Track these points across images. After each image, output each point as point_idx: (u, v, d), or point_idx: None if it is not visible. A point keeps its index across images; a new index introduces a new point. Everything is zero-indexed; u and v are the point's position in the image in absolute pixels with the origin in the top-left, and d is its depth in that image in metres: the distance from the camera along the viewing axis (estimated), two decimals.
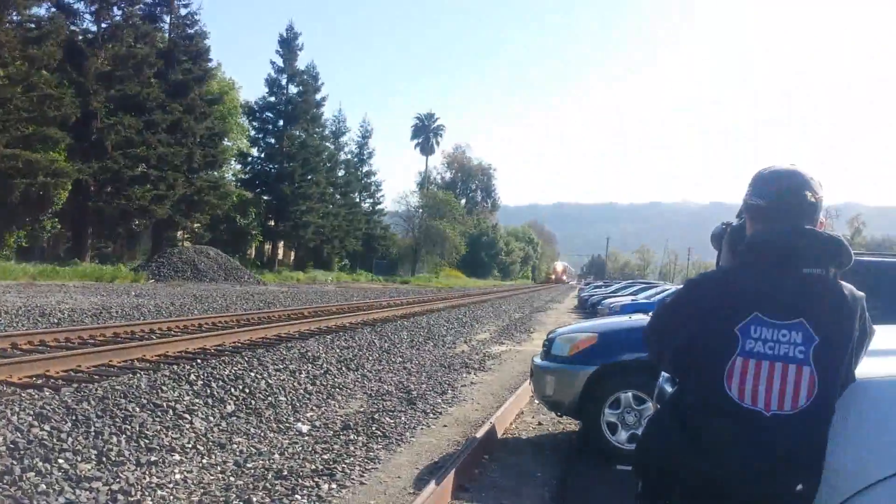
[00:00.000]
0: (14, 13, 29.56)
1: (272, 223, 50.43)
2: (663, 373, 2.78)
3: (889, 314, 5.10)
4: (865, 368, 1.95)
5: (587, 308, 27.73)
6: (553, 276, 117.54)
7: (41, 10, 32.64)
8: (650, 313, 7.43)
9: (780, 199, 1.93)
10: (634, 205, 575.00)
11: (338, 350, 10.56)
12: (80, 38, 34.71)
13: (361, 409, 7.05)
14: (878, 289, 5.54)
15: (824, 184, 1.99)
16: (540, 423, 7.15)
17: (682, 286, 2.11)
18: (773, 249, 1.89)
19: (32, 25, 30.69)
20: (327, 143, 57.89)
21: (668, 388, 2.62)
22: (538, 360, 6.53)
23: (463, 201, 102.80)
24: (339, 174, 61.13)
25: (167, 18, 40.07)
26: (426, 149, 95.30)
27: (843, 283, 1.91)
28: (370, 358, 10.30)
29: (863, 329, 1.91)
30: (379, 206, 69.51)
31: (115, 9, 36.07)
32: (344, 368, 9.17)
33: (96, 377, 7.19)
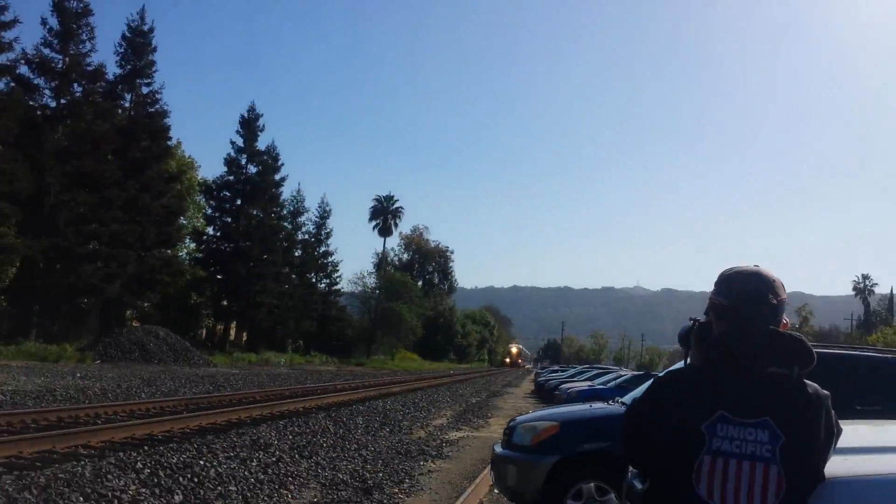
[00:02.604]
0: None
1: (225, 303, 49.53)
2: (631, 468, 2.78)
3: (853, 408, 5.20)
4: (834, 467, 1.97)
5: (544, 393, 27.59)
6: (508, 360, 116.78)
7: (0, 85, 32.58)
8: (609, 401, 7.43)
9: (743, 301, 1.98)
10: (588, 289, 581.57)
11: (291, 436, 10.27)
12: (39, 113, 34.56)
13: (315, 501, 6.81)
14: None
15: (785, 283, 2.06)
16: None
17: (650, 384, 2.14)
18: (737, 349, 1.92)
19: None
20: (285, 223, 57.74)
21: (638, 485, 2.61)
22: (499, 449, 6.44)
23: (420, 283, 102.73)
24: (296, 254, 60.77)
25: (128, 96, 40.27)
26: (384, 230, 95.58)
27: (808, 381, 1.94)
28: (324, 445, 10.02)
29: (829, 428, 1.93)
30: (335, 287, 68.98)
31: (75, 85, 36.18)
32: (297, 456, 8.90)
33: (38, 464, 6.84)
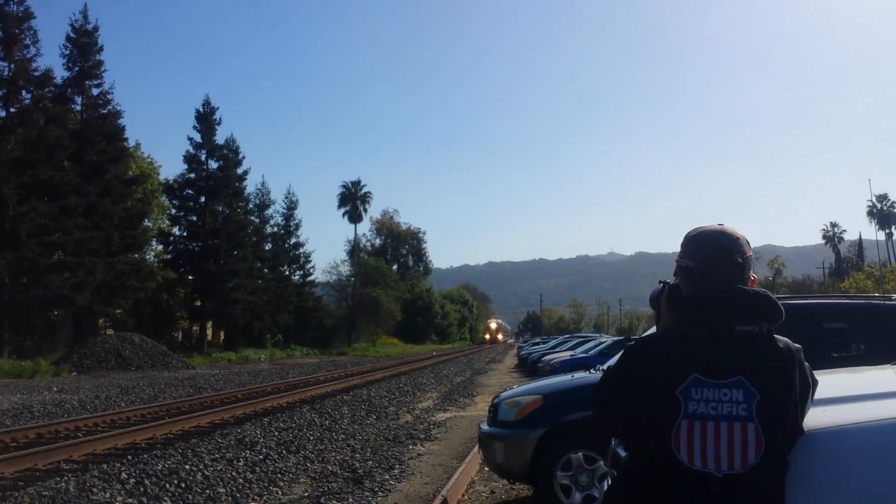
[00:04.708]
0: None
1: (199, 303, 48.96)
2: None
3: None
4: (813, 419, 1.98)
5: (528, 366, 27.80)
6: (488, 336, 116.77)
7: None
8: (591, 369, 7.48)
9: (708, 261, 1.97)
10: (563, 259, 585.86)
11: (276, 433, 10.22)
12: None
13: (306, 495, 6.77)
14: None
15: (750, 240, 2.05)
16: (493, 492, 7.02)
17: (621, 354, 2.12)
18: (704, 310, 1.91)
19: None
20: (252, 217, 57.00)
21: (622, 453, 2.61)
22: (485, 427, 6.46)
23: (395, 267, 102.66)
24: (267, 248, 60.20)
25: (79, 99, 39.42)
26: (354, 216, 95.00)
27: (778, 336, 1.94)
28: (311, 438, 9.98)
29: (804, 381, 1.93)
30: (310, 278, 68.57)
31: (24, 92, 35.27)
32: (284, 452, 8.85)
33: (21, 483, 6.72)
